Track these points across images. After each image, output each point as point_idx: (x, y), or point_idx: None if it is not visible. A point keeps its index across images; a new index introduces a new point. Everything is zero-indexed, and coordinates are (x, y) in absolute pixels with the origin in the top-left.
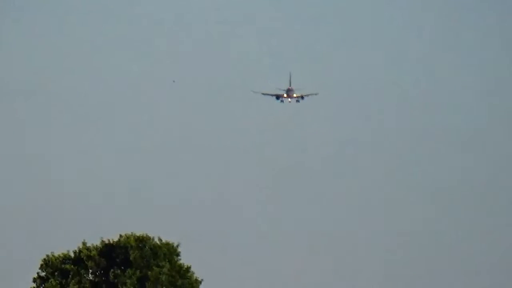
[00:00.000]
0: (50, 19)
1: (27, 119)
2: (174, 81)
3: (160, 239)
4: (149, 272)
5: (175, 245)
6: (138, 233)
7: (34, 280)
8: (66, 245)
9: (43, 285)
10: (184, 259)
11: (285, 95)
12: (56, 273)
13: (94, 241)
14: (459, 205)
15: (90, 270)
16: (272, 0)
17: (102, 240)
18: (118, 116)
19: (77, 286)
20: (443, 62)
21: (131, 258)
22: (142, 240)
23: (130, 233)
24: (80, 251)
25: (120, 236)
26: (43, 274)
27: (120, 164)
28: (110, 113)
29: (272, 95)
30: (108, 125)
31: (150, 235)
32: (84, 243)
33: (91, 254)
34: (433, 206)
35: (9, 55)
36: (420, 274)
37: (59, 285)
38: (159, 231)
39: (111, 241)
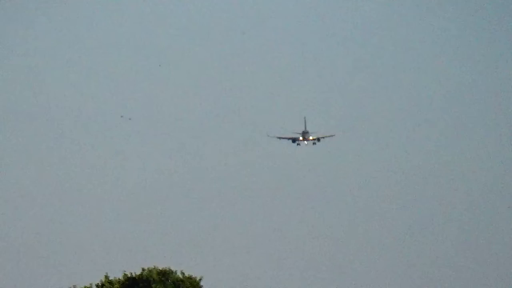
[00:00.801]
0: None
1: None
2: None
3: (182, 273)
4: None
5: (197, 279)
6: (161, 266)
7: None
8: (88, 278)
9: None
10: None
11: (301, 138)
12: None
13: (116, 275)
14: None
15: None
16: (284, 45)
17: (124, 274)
18: (145, 156)
19: None
20: (462, 98)
21: None
22: (164, 274)
23: (152, 267)
24: (102, 284)
25: (143, 269)
26: None
27: (144, 198)
28: (137, 152)
29: (288, 138)
30: (131, 163)
31: (173, 268)
32: (106, 276)
33: None
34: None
35: None
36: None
37: None
38: (182, 265)
39: (134, 275)
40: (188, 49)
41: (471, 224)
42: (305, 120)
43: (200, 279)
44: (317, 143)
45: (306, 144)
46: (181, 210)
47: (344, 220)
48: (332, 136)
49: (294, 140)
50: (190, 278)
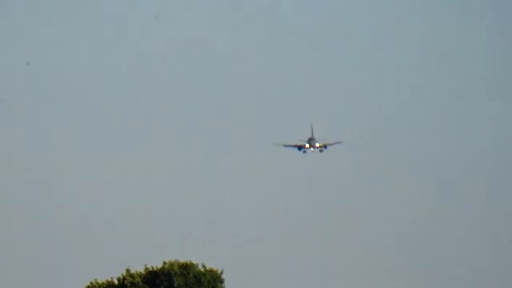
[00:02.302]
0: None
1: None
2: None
3: (204, 266)
4: None
5: (219, 272)
6: (182, 260)
7: None
8: (110, 272)
9: None
10: (228, 286)
11: (307, 145)
12: None
13: (138, 268)
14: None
15: None
16: (291, 52)
17: (146, 267)
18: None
19: None
20: (469, 114)
21: (175, 285)
22: (186, 267)
23: (174, 260)
24: (124, 278)
25: (164, 263)
26: None
27: (166, 193)
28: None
29: (293, 146)
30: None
31: (194, 262)
32: (127, 270)
33: (135, 281)
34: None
35: None
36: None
37: None
38: (203, 258)
39: (155, 268)
40: (194, 55)
41: (480, 235)
42: (311, 127)
43: (221, 272)
44: (324, 150)
45: (312, 152)
46: (202, 206)
47: (351, 227)
48: (338, 143)
49: (300, 147)
50: (211, 271)
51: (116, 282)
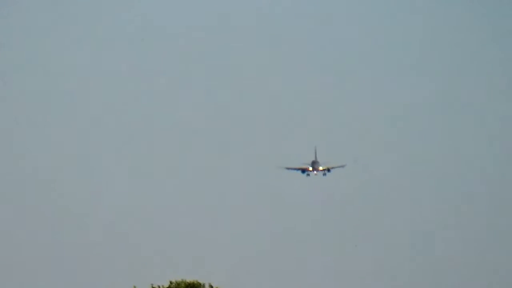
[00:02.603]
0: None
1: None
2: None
3: (211, 286)
4: None
5: None
6: (189, 279)
7: None
8: None
9: None
10: None
11: (310, 168)
12: None
13: None
14: None
15: None
16: (294, 74)
17: (152, 287)
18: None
19: None
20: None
21: None
22: (193, 286)
23: (180, 280)
24: None
25: (171, 282)
26: None
27: (172, 213)
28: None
29: (297, 169)
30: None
31: (201, 281)
32: None
33: None
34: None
35: None
36: None
37: None
38: (210, 278)
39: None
40: (196, 75)
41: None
42: (315, 151)
43: None
44: (327, 173)
45: (315, 175)
46: (208, 226)
47: (356, 252)
48: (342, 166)
49: (303, 171)
50: None
51: None
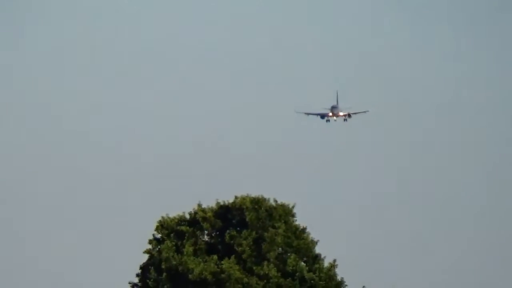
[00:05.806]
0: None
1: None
2: None
3: (275, 201)
4: (265, 233)
5: (290, 206)
6: (254, 194)
7: (150, 242)
8: (181, 207)
9: (158, 247)
10: (300, 220)
11: (330, 114)
12: (171, 235)
13: (209, 203)
14: None
15: (206, 232)
16: (315, 24)
17: (217, 202)
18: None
19: (192, 247)
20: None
21: (247, 220)
22: (257, 202)
23: (245, 195)
24: (195, 212)
25: (236, 197)
26: (158, 236)
27: (235, 129)
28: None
29: (316, 114)
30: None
31: (266, 196)
32: (199, 205)
33: (207, 216)
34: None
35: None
36: None
37: (174, 247)
38: (275, 193)
39: (227, 203)
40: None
41: None
42: (337, 95)
43: (292, 206)
44: (348, 119)
45: (335, 120)
46: (267, 141)
47: (375, 200)
48: (365, 112)
49: (323, 116)
50: (282, 205)
51: (187, 217)
